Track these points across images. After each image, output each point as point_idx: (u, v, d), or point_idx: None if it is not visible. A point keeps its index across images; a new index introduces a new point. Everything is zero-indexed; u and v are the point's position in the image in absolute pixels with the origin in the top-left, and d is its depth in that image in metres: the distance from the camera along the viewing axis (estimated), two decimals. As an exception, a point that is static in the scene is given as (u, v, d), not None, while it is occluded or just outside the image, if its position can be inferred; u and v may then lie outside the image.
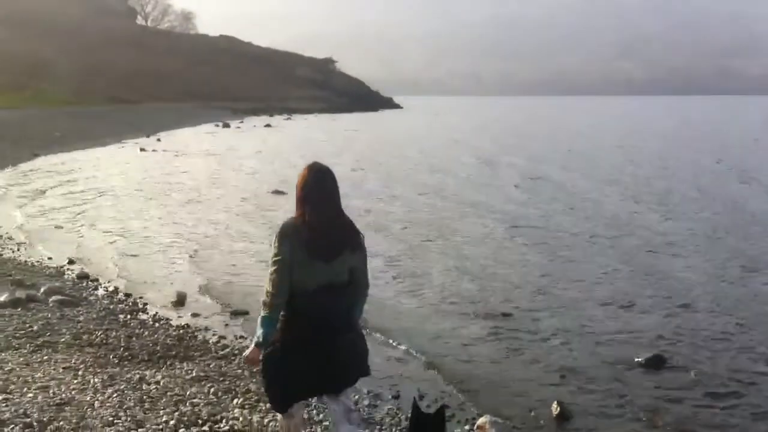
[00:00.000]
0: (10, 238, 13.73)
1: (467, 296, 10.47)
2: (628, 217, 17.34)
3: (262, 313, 4.15)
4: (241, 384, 6.68)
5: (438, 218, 17.15)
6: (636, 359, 7.81)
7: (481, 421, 6.17)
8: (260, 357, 4.28)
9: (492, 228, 15.83)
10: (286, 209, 17.96)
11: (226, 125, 60.11)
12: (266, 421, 5.77)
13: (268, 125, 63.36)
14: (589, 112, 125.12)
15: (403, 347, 8.22)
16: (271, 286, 4.09)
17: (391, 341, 8.41)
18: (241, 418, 5.77)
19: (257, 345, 4.20)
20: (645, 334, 8.75)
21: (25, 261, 11.88)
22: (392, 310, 9.69)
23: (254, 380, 6.83)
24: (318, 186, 4.23)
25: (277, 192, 21.20)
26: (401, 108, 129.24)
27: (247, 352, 4.38)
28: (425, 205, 19.30)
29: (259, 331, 4.18)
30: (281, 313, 4.16)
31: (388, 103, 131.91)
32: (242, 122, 66.91)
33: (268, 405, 6.09)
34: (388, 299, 10.20)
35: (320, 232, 4.13)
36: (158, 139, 42.25)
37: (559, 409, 6.53)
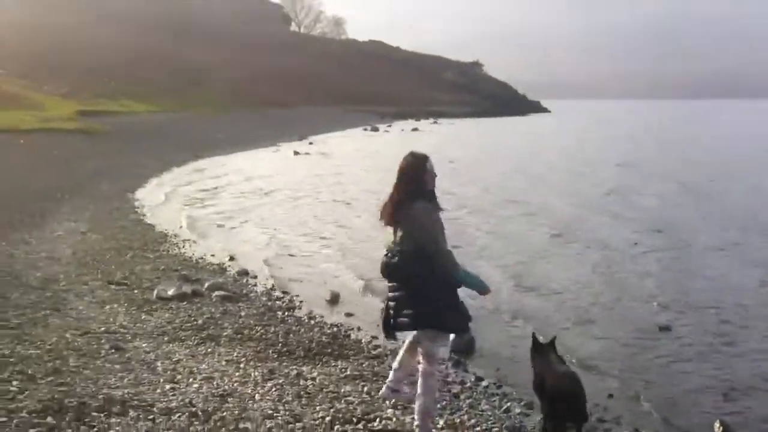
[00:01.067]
0: (176, 236, 14.51)
1: (618, 308, 10.15)
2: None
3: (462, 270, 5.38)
4: (394, 384, 6.77)
5: (574, 225, 16.72)
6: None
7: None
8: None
9: (636, 237, 15.24)
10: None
11: (375, 129, 60.98)
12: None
13: (415, 129, 63.78)
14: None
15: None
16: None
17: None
18: (394, 419, 5.84)
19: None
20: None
21: (191, 257, 12.55)
22: (541, 321, 9.55)
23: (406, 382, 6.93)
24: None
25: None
26: (549, 112, 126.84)
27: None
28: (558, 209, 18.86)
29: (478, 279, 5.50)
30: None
31: (536, 107, 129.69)
32: (390, 126, 67.63)
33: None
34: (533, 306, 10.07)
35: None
36: (310, 143, 43.44)
37: (721, 428, 6.23)
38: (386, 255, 5.44)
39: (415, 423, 5.50)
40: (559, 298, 10.57)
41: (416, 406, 5.47)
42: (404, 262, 5.28)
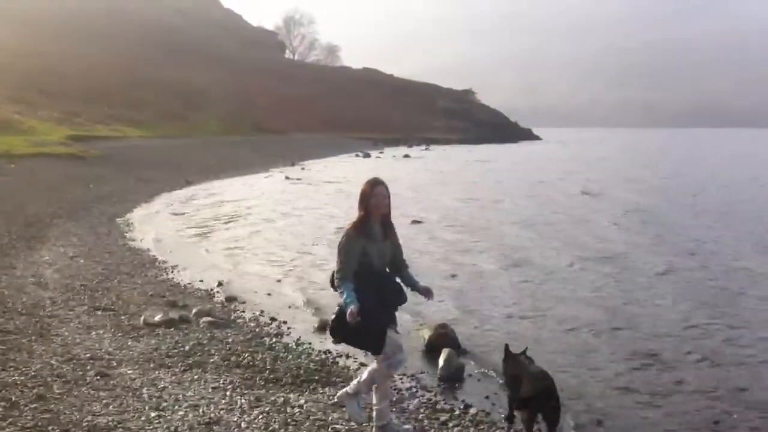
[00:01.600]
0: (165, 261, 14.45)
1: (611, 335, 10.11)
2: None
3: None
4: (382, 412, 6.71)
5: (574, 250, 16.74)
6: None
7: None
8: None
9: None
10: (422, 240, 18.07)
11: (367, 155, 61.23)
12: (406, 451, 5.77)
13: (406, 155, 64.05)
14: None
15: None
16: None
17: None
18: (379, 448, 5.79)
19: None
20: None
21: (178, 283, 12.49)
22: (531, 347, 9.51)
23: (394, 409, 6.87)
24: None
25: (415, 222, 21.35)
26: (540, 139, 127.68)
27: None
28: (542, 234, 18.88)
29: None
30: None
31: (528, 135, 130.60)
32: (382, 152, 67.95)
33: (408, 435, 6.12)
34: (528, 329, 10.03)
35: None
36: (302, 168, 43.57)
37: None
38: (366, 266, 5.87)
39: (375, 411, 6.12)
40: (549, 324, 10.53)
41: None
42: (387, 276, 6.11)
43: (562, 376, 7.96)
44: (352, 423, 6.28)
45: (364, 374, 6.14)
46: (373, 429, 6.05)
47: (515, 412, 6.37)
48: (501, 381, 7.42)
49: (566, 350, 9.32)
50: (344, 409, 6.53)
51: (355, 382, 6.21)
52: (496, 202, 28.06)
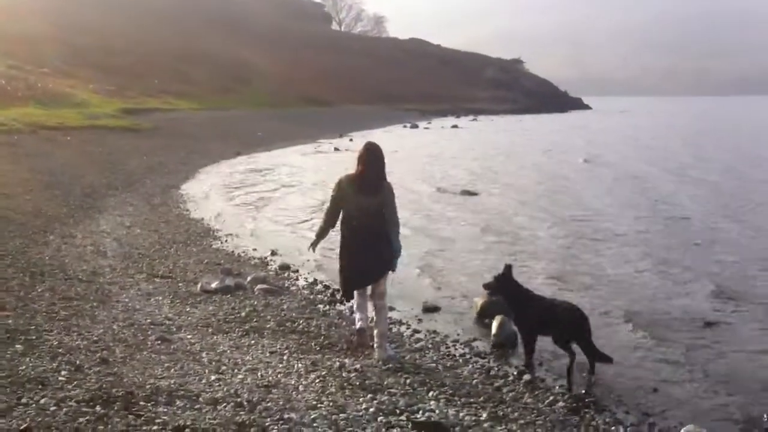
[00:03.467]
0: (219, 230, 14.67)
1: (665, 303, 10.02)
2: None
3: None
4: (436, 377, 6.78)
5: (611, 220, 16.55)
6: None
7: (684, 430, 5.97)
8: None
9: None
10: (474, 210, 18.02)
11: (414, 126, 61.01)
12: (461, 415, 5.81)
13: (455, 126, 63.71)
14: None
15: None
16: None
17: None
18: (437, 411, 5.83)
19: None
20: None
21: (233, 251, 12.68)
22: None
23: (448, 374, 6.93)
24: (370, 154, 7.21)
25: (467, 192, 21.28)
26: (590, 109, 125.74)
27: None
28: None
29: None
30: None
31: (577, 104, 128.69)
32: (430, 123, 67.60)
33: (463, 399, 6.19)
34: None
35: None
36: (350, 140, 43.52)
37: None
38: (350, 220, 7.29)
39: (376, 344, 7.24)
40: (604, 292, 10.47)
41: (376, 332, 7.28)
42: (380, 225, 7.19)
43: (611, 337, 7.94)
44: (408, 387, 6.35)
45: (375, 329, 7.32)
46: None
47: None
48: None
49: (614, 314, 9.28)
50: (399, 374, 6.64)
51: (376, 338, 7.26)
52: (549, 172, 27.81)
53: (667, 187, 22.67)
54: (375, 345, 7.24)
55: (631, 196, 20.90)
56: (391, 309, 9.41)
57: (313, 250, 7.75)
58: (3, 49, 47.01)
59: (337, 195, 7.38)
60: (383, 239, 7.18)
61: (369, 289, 7.45)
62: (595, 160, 32.56)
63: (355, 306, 7.56)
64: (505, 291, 7.52)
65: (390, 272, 7.41)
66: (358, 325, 7.40)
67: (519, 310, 7.36)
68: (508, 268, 7.53)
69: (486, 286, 7.68)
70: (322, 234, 7.55)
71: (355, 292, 7.45)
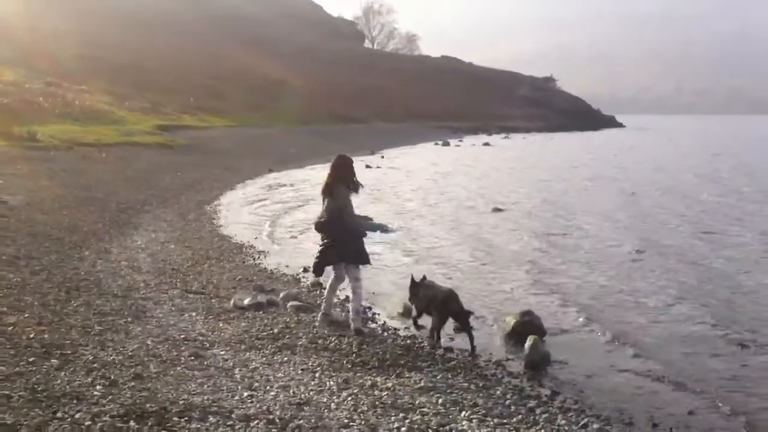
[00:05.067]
0: (252, 246, 14.73)
1: (701, 324, 9.89)
2: None
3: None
4: (469, 397, 6.73)
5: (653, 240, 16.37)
6: None
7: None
8: None
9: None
10: (506, 228, 17.95)
11: (446, 143, 60.95)
12: (494, 435, 5.78)
13: (486, 144, 63.59)
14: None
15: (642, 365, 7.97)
16: None
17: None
18: (469, 431, 5.80)
19: None
20: None
21: (265, 268, 12.73)
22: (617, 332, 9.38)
23: (481, 394, 6.88)
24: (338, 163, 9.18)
25: (496, 209, 21.20)
26: (623, 126, 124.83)
27: None
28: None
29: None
30: None
31: (610, 122, 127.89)
32: (461, 141, 67.53)
33: (496, 419, 6.15)
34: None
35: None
36: (382, 157, 43.65)
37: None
38: (319, 218, 9.10)
39: (351, 318, 8.80)
40: (639, 312, 10.38)
41: (351, 309, 8.88)
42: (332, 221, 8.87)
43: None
44: (440, 407, 6.31)
45: (350, 308, 8.98)
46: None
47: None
48: (588, 369, 7.33)
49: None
50: (431, 393, 6.61)
51: (351, 314, 8.83)
52: (580, 189, 27.66)
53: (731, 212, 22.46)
54: (351, 318, 8.86)
55: (653, 212, 20.71)
56: (423, 327, 9.42)
57: None
58: (42, 66, 47.99)
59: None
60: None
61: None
62: (640, 188, 32.32)
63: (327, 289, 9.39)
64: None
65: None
66: (321, 314, 9.15)
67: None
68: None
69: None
70: None
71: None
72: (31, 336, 6.93)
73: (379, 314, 9.99)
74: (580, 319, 9.99)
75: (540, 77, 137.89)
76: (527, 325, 9.01)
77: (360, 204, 22.37)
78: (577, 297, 11.26)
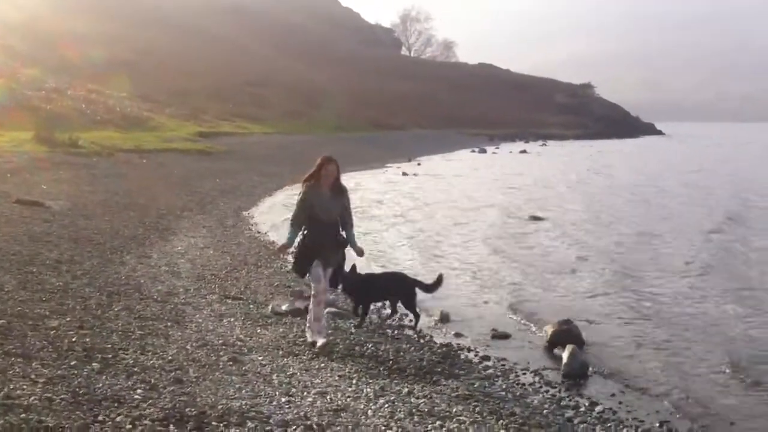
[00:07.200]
0: (290, 253, 14.78)
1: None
2: None
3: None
4: (506, 406, 6.70)
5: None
6: None
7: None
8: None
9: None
10: (541, 236, 17.86)
11: (483, 151, 60.78)
12: (532, 445, 5.74)
13: (523, 151, 63.29)
14: None
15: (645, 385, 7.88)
16: None
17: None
18: (506, 440, 5.77)
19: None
20: None
21: (303, 274, 12.76)
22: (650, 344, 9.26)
23: (518, 403, 6.84)
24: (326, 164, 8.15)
25: (535, 218, 21.09)
26: (663, 134, 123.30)
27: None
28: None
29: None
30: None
31: (649, 129, 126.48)
32: (498, 148, 67.26)
33: (534, 429, 6.10)
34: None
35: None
36: (418, 164, 43.64)
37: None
38: None
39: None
40: (685, 328, 10.23)
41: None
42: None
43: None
44: (477, 415, 6.29)
45: (309, 315, 8.28)
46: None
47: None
48: (626, 379, 7.24)
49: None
50: (468, 401, 6.59)
51: (308, 327, 8.27)
52: (617, 199, 27.41)
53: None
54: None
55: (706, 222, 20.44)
56: (460, 335, 9.39)
57: None
58: (84, 73, 48.79)
59: None
60: None
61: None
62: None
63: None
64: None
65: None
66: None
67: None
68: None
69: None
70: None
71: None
72: (73, 339, 7.03)
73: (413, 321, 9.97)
74: (621, 331, 9.88)
75: (578, 84, 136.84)
76: (566, 334, 8.95)
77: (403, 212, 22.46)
78: (621, 309, 11.12)
